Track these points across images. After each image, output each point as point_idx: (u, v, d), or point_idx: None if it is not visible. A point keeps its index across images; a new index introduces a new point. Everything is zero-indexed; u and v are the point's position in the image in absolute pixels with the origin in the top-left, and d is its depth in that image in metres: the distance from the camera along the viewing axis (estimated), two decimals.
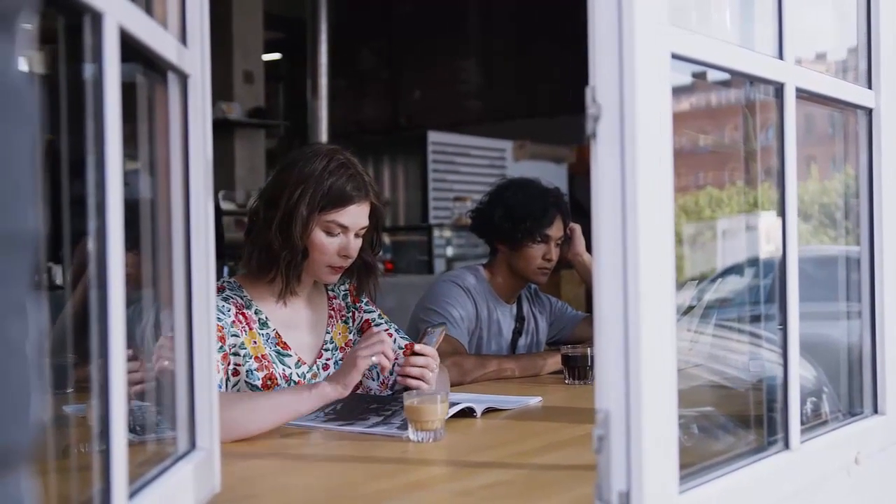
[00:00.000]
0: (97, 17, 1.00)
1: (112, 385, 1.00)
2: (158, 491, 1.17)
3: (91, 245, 1.01)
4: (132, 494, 1.08)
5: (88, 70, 1.02)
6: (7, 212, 0.58)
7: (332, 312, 2.37)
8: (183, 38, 1.35)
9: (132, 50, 1.12)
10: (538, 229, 2.97)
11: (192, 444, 1.36)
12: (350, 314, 2.40)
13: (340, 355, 2.33)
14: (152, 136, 1.35)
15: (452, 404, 2.02)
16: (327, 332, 2.34)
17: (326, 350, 2.33)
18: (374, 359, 1.97)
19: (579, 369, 2.63)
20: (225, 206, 6.94)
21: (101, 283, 1.00)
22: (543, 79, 9.13)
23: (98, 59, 1.00)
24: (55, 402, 1.38)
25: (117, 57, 1.02)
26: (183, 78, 1.35)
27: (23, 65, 0.60)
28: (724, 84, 1.74)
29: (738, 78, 1.60)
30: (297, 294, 2.27)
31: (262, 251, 2.20)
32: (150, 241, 1.36)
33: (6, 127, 0.58)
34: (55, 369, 1.27)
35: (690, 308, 2.29)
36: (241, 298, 2.21)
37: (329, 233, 2.19)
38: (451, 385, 2.64)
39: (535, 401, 2.34)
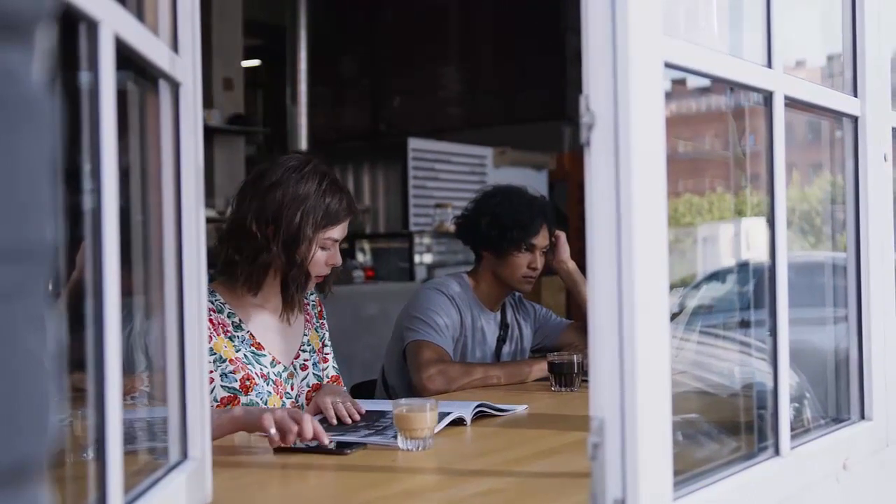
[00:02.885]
0: (93, 26, 0.99)
1: (108, 395, 1.00)
2: (152, 501, 1.16)
3: (87, 254, 1.00)
4: None
5: (83, 77, 1.01)
6: (26, 223, 0.57)
7: (308, 317, 2.46)
8: (175, 46, 1.34)
9: (125, 57, 1.11)
10: (524, 238, 2.97)
11: (184, 455, 1.35)
12: (319, 324, 2.50)
13: (317, 357, 2.43)
14: (143, 144, 1.35)
15: (442, 414, 2.02)
16: (304, 335, 2.42)
17: (304, 351, 2.41)
18: (272, 431, 1.82)
19: (565, 376, 2.63)
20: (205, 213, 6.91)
21: (97, 292, 1.00)
22: (524, 86, 9.16)
23: (94, 66, 1.00)
24: None
25: (113, 65, 1.02)
26: (175, 86, 1.34)
27: (41, 75, 0.60)
28: (704, 91, 1.75)
29: (722, 85, 1.61)
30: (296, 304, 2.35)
31: (261, 270, 2.25)
32: (140, 250, 1.35)
33: (25, 137, 0.57)
34: None
35: (675, 315, 2.30)
36: (212, 303, 2.24)
37: (324, 248, 2.29)
38: (437, 393, 2.65)
39: (521, 408, 2.34)
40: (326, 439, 1.85)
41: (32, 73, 0.59)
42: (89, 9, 0.97)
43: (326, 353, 2.51)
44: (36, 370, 0.58)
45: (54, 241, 0.61)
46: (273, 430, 1.81)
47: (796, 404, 1.81)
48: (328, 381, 2.45)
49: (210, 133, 7.38)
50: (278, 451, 1.87)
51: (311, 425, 1.83)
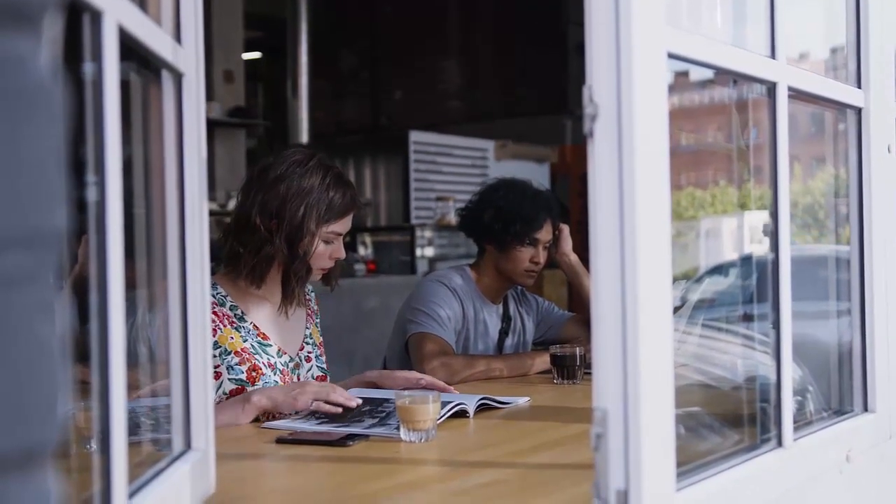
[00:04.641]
0: (96, 16, 0.99)
1: (112, 386, 1.00)
2: (156, 491, 1.16)
3: (90, 246, 1.00)
4: (131, 495, 1.08)
5: (87, 68, 1.01)
6: (36, 210, 0.57)
7: (309, 311, 2.48)
8: (177, 37, 1.34)
9: (128, 48, 1.11)
10: (528, 232, 2.96)
11: (188, 445, 1.36)
12: (318, 321, 2.53)
13: (319, 351, 2.46)
14: (145, 136, 1.35)
15: (444, 404, 2.02)
16: (307, 328, 2.45)
17: (307, 343, 2.43)
18: (312, 406, 2.08)
19: (568, 369, 2.64)
20: None
21: (101, 284, 1.00)
22: (525, 79, 9.16)
23: (97, 57, 1.00)
24: None
25: (116, 55, 1.02)
26: (178, 77, 1.34)
27: (50, 62, 0.60)
28: (707, 83, 1.75)
29: (727, 76, 1.61)
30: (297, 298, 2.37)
31: (264, 262, 2.27)
32: (144, 242, 1.35)
33: (35, 125, 0.57)
34: None
35: (677, 308, 2.30)
36: (214, 296, 2.25)
37: (326, 242, 2.30)
38: None
39: (523, 401, 2.34)
40: (354, 403, 2.10)
41: (41, 61, 0.60)
42: None
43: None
44: (46, 357, 0.58)
45: (64, 229, 0.62)
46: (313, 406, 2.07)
47: (799, 397, 1.81)
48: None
49: (210, 126, 7.37)
50: (281, 442, 1.87)
51: (341, 396, 2.10)
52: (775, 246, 1.53)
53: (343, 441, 1.85)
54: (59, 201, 0.61)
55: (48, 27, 0.61)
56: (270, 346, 2.31)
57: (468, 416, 2.10)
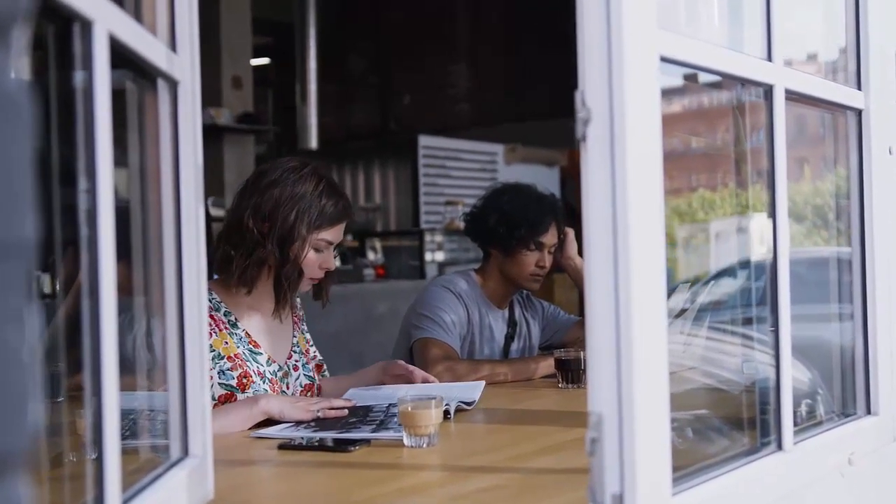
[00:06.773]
0: (87, 25, 0.99)
1: (105, 393, 1.00)
2: (152, 498, 1.17)
3: (82, 254, 1.00)
4: (125, 502, 1.08)
5: (78, 77, 1.01)
6: (6, 219, 0.58)
7: (296, 319, 2.51)
8: (172, 45, 1.35)
9: (121, 57, 1.12)
10: (533, 237, 2.96)
11: (185, 452, 1.36)
12: (304, 326, 2.55)
13: (305, 359, 2.47)
14: (142, 144, 1.35)
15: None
16: (294, 336, 2.47)
17: (295, 352, 2.45)
18: (319, 414, 2.12)
19: (572, 373, 2.63)
20: (214, 212, 6.91)
21: (93, 292, 1.00)
22: (533, 82, 9.14)
23: (88, 66, 1.00)
24: (48, 411, 1.38)
25: (107, 64, 1.02)
26: (173, 84, 1.34)
27: (19, 73, 0.61)
28: (716, 86, 1.74)
29: (728, 80, 1.61)
30: (288, 303, 2.39)
31: (255, 266, 2.28)
32: (140, 250, 1.36)
33: (4, 135, 0.58)
34: (47, 378, 1.26)
35: (683, 311, 2.29)
36: (210, 301, 2.26)
37: (317, 250, 2.32)
38: None
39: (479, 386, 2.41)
40: (352, 403, 2.20)
41: (10, 71, 0.60)
42: (83, 8, 0.98)
43: (314, 350, 2.56)
44: (14, 364, 0.58)
45: (36, 238, 0.62)
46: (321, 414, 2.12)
47: (809, 401, 1.80)
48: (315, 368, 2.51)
49: (219, 132, 7.39)
50: (282, 448, 1.87)
51: (339, 403, 2.18)
52: (774, 248, 1.53)
53: (345, 446, 1.85)
54: (30, 211, 0.61)
55: (17, 37, 0.61)
56: (261, 354, 2.33)
57: (449, 419, 2.11)
